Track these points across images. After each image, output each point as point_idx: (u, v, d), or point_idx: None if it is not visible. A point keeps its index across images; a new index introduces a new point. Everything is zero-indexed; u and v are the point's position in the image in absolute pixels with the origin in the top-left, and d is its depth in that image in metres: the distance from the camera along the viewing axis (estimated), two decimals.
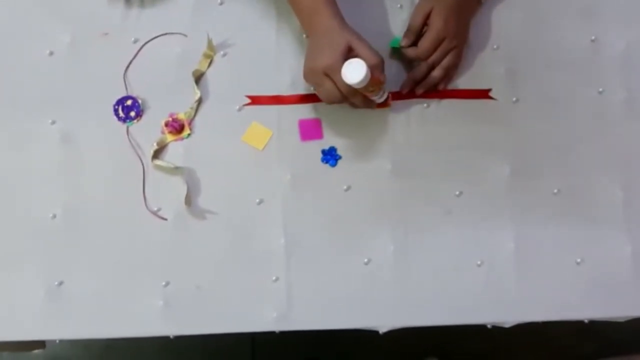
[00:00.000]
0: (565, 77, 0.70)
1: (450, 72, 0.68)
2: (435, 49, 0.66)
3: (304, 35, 0.70)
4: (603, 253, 0.66)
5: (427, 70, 0.67)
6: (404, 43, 0.68)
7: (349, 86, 0.57)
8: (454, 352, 1.19)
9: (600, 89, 0.70)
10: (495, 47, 0.71)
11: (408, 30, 0.68)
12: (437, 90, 0.69)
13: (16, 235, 0.65)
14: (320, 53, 0.60)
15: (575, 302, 0.64)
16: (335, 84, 0.59)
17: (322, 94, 0.61)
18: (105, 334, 0.63)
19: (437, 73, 0.67)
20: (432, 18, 0.66)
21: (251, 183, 0.66)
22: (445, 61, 0.66)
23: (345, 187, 0.66)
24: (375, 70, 0.58)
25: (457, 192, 0.66)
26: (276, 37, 0.71)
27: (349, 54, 0.59)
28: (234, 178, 0.67)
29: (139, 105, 0.68)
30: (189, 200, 0.65)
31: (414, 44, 0.67)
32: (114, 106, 0.68)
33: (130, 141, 0.67)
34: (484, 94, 0.70)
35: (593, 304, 0.64)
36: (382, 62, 0.60)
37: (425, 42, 0.66)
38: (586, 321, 0.65)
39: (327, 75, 0.59)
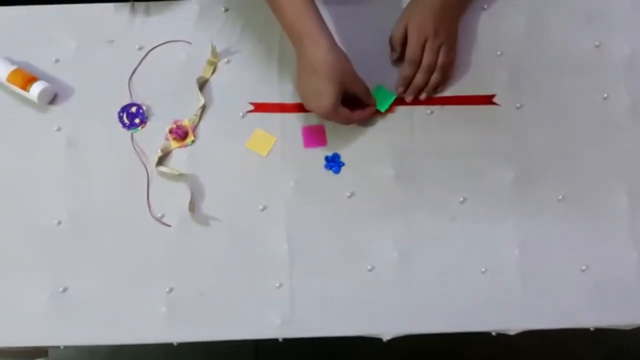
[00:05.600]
0: (570, 82, 0.70)
1: (448, 71, 0.68)
2: (421, 50, 0.66)
3: None
4: (609, 260, 0.65)
5: (426, 75, 0.67)
6: (394, 57, 0.69)
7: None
8: (460, 356, 1.18)
9: (605, 95, 0.70)
10: (498, 53, 0.71)
11: (391, 41, 0.69)
12: (441, 97, 0.69)
13: (21, 241, 0.65)
14: (314, 95, 0.62)
15: (580, 310, 0.63)
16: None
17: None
18: (109, 340, 0.63)
19: (435, 75, 0.67)
20: (408, 26, 0.67)
21: (255, 189, 0.67)
22: (440, 60, 0.67)
23: (348, 193, 0.66)
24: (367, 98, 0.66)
25: (461, 199, 0.66)
26: (279, 45, 0.71)
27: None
28: (238, 184, 0.67)
29: (143, 112, 0.69)
30: (192, 207, 0.65)
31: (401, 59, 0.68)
32: (119, 113, 0.69)
33: (134, 148, 0.68)
34: (487, 99, 0.69)
35: (598, 312, 0.63)
36: (369, 91, 0.66)
37: (409, 49, 0.67)
38: (592, 329, 0.64)
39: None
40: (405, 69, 0.68)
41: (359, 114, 0.66)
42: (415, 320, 0.63)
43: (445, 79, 0.69)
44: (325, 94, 0.61)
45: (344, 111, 0.64)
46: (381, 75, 0.69)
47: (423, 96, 0.68)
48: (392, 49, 0.69)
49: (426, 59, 0.66)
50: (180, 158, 0.68)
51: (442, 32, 0.66)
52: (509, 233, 0.65)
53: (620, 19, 0.73)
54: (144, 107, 0.69)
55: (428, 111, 0.69)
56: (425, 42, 0.66)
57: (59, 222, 0.66)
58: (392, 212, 0.66)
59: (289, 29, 0.63)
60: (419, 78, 0.67)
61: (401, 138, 0.68)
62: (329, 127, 0.68)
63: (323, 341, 0.63)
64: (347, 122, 0.66)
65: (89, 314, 0.63)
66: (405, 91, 0.69)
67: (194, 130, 0.68)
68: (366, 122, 0.68)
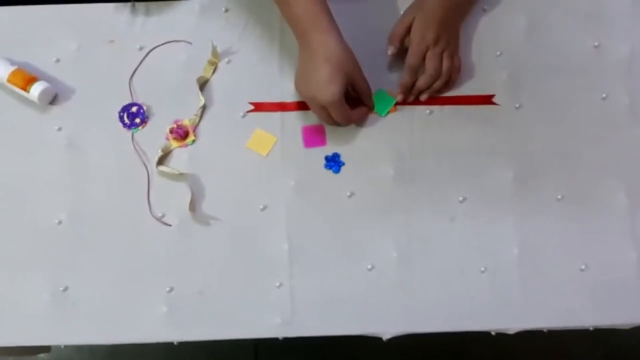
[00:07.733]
0: (569, 82, 0.70)
1: (452, 76, 0.68)
2: (422, 58, 0.66)
3: None
4: (607, 259, 0.65)
5: (430, 80, 0.67)
6: (390, 52, 0.68)
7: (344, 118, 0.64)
8: (459, 356, 1.18)
9: (604, 95, 0.70)
10: (498, 53, 0.71)
11: (390, 37, 0.69)
12: (441, 97, 0.69)
13: (22, 240, 0.65)
14: (321, 83, 0.61)
15: (579, 309, 0.64)
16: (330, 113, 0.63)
17: (316, 114, 0.65)
18: (109, 340, 0.64)
19: (439, 80, 0.67)
20: (412, 32, 0.67)
21: (255, 189, 0.67)
22: (444, 66, 0.67)
23: (348, 193, 0.66)
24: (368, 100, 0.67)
25: (461, 198, 0.66)
26: (280, 44, 0.71)
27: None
28: (238, 184, 0.67)
29: (143, 112, 0.69)
30: (193, 206, 0.65)
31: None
32: (119, 113, 0.69)
33: (135, 148, 0.68)
34: (487, 99, 0.70)
35: (597, 311, 0.63)
36: (370, 92, 0.67)
37: (410, 56, 0.67)
38: (591, 328, 0.65)
39: (324, 107, 0.62)
40: (405, 77, 0.68)
41: (358, 112, 0.66)
42: (414, 320, 0.63)
43: (449, 84, 0.69)
44: (334, 81, 0.60)
45: (346, 106, 0.63)
46: (381, 79, 0.69)
47: (424, 97, 0.68)
48: (391, 43, 0.69)
49: (430, 65, 0.66)
50: (181, 158, 0.68)
51: (444, 39, 0.66)
52: (509, 232, 0.65)
53: (619, 19, 0.73)
54: (145, 107, 0.69)
55: (428, 111, 0.69)
56: (427, 50, 0.66)
57: (60, 222, 0.66)
58: (392, 212, 0.66)
59: (296, 21, 0.63)
60: (422, 81, 0.67)
61: (401, 138, 0.68)
62: (329, 127, 0.68)
63: (323, 340, 0.63)
64: (346, 119, 0.65)
65: (90, 313, 0.63)
66: (405, 98, 0.69)
67: (194, 130, 0.69)
68: (366, 122, 0.69)
